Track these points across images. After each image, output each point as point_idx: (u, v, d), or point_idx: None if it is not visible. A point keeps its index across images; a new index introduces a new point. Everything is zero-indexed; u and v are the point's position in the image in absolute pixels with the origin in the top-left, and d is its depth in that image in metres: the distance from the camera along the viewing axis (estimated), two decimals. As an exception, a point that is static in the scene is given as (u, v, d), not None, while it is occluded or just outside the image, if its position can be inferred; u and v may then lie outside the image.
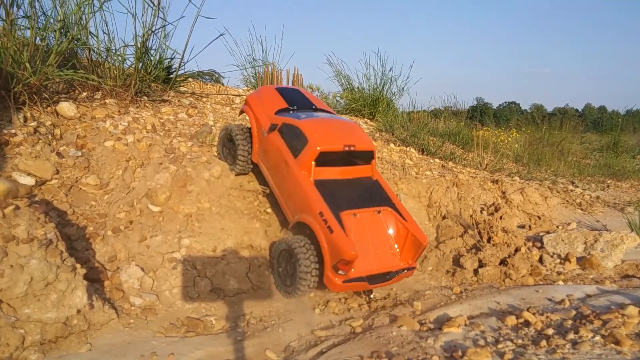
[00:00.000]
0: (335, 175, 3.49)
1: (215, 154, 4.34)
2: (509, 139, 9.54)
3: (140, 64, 4.89)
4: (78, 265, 2.76)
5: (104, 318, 2.78)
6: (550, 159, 9.03)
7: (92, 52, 4.82)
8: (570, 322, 2.72)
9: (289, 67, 8.81)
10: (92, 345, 2.61)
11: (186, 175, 3.86)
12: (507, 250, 4.15)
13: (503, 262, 4.04)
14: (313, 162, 3.35)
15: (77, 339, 2.60)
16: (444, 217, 4.79)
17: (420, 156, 6.68)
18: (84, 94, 4.62)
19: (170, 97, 5.44)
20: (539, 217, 5.45)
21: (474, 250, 4.22)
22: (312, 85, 9.80)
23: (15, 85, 3.82)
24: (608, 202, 6.65)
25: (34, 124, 3.83)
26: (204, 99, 6.04)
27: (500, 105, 43.18)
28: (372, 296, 3.47)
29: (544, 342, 2.44)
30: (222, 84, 7.91)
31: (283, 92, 4.17)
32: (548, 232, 4.85)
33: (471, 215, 4.93)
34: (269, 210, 4.06)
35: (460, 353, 2.40)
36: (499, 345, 2.48)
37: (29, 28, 4.06)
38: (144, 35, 4.77)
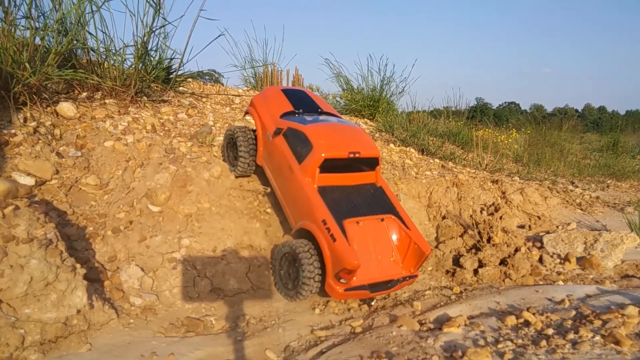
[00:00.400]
0: (339, 182, 3.46)
1: (215, 154, 4.33)
2: (509, 139, 9.54)
3: (141, 64, 4.89)
4: (78, 265, 2.76)
5: (104, 318, 2.78)
6: (550, 159, 9.03)
7: (91, 52, 4.82)
8: (570, 322, 2.72)
9: (289, 68, 8.82)
10: (92, 345, 2.61)
11: (186, 176, 3.86)
12: (507, 250, 4.15)
13: (503, 262, 4.04)
14: (317, 169, 3.32)
15: (77, 339, 2.60)
16: (443, 217, 4.79)
17: (420, 156, 6.68)
18: (84, 94, 4.62)
19: (170, 97, 5.44)
20: (539, 217, 5.45)
21: (473, 251, 4.22)
22: (312, 86, 9.81)
23: (15, 86, 3.82)
24: (608, 202, 6.65)
25: (33, 124, 3.83)
26: (204, 99, 6.04)
27: (500, 105, 43.24)
28: (372, 303, 3.45)
29: (544, 342, 2.44)
30: (222, 84, 7.91)
31: (289, 93, 4.12)
32: (548, 232, 4.85)
33: (471, 216, 4.94)
34: (269, 210, 4.06)
35: (460, 353, 2.40)
36: (499, 345, 2.48)
37: (28, 28, 4.06)
38: (144, 35, 4.77)
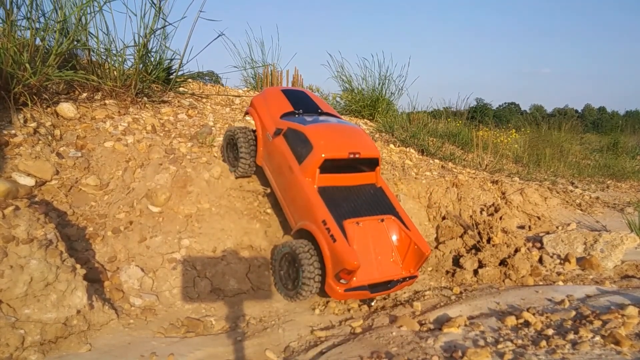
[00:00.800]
0: (339, 182, 3.46)
1: (215, 155, 4.34)
2: (509, 140, 9.55)
3: (141, 65, 4.90)
4: (78, 266, 2.76)
5: (104, 318, 2.78)
6: (550, 159, 9.03)
7: (92, 53, 4.82)
8: (570, 322, 2.72)
9: (289, 68, 8.82)
10: (92, 345, 2.61)
11: (186, 176, 3.86)
12: (506, 251, 4.15)
13: (503, 262, 4.04)
14: (317, 169, 3.32)
15: (77, 340, 2.60)
16: (443, 218, 4.79)
17: (420, 157, 6.69)
18: (84, 94, 4.62)
19: (170, 98, 5.44)
20: (539, 218, 5.45)
21: (473, 251, 4.22)
22: (311, 86, 9.82)
23: (15, 86, 3.83)
24: (608, 203, 6.65)
25: (33, 124, 3.84)
26: (204, 100, 6.05)
27: (500, 105, 43.22)
28: (372, 304, 3.45)
29: (543, 343, 2.44)
30: (222, 85, 7.92)
31: (289, 94, 4.13)
32: (548, 233, 4.85)
33: (471, 216, 4.94)
34: (269, 210, 4.06)
35: (460, 353, 2.40)
36: (499, 346, 2.48)
37: (29, 29, 4.06)
38: (145, 36, 4.77)
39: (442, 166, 6.40)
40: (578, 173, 8.87)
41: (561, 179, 8.04)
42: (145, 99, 4.97)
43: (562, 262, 4.29)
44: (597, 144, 14.33)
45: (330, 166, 3.35)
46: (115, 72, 4.72)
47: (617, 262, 4.26)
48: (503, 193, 5.65)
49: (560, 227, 5.14)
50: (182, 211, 3.68)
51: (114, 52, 4.74)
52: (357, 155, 3.42)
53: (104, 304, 2.82)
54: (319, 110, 4.02)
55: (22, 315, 2.50)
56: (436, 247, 4.37)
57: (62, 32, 4.42)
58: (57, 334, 2.54)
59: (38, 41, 4.18)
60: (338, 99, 9.62)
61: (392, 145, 6.72)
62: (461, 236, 4.44)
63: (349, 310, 3.36)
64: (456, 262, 4.15)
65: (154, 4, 4.68)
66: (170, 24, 4.97)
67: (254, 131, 4.02)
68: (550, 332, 2.60)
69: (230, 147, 4.15)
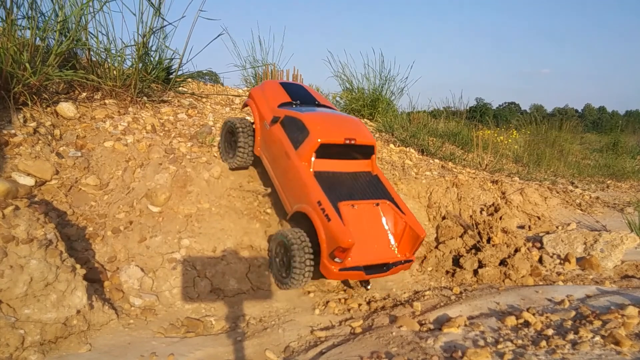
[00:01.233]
0: (335, 168, 3.52)
1: (215, 155, 4.33)
2: (509, 140, 9.54)
3: (141, 64, 4.89)
4: (78, 266, 2.76)
5: (104, 318, 2.78)
6: (550, 159, 9.02)
7: (91, 53, 4.82)
8: (570, 322, 2.72)
9: (289, 68, 8.81)
10: (92, 345, 2.61)
11: (186, 176, 3.86)
12: (506, 251, 4.14)
13: (503, 262, 4.04)
14: (313, 154, 3.38)
15: (76, 340, 2.60)
16: (443, 218, 4.79)
17: (420, 156, 6.68)
18: (84, 94, 4.62)
19: (169, 98, 5.44)
20: (539, 218, 5.45)
21: (473, 251, 4.22)
22: (311, 85, 9.81)
23: (15, 86, 3.82)
24: (608, 203, 6.64)
25: (33, 124, 3.83)
26: (204, 100, 6.04)
27: (500, 105, 43.18)
28: (369, 287, 3.49)
29: (543, 343, 2.44)
30: (222, 84, 7.91)
31: (287, 86, 4.21)
32: (548, 233, 4.85)
33: (471, 216, 4.93)
34: (269, 210, 4.06)
35: (460, 353, 2.40)
36: (499, 346, 2.48)
37: (29, 28, 4.06)
38: (145, 35, 4.77)
39: (442, 166, 6.39)
40: (578, 173, 8.87)
41: (561, 178, 8.03)
42: (145, 98, 4.97)
43: (562, 262, 4.29)
44: (597, 144, 14.33)
45: (326, 152, 3.42)
46: (115, 72, 4.72)
47: (617, 262, 4.26)
48: (503, 193, 5.65)
49: (560, 227, 5.13)
50: (182, 211, 3.67)
51: (114, 51, 4.74)
52: (352, 142, 3.48)
53: (103, 304, 2.82)
54: (316, 102, 4.07)
55: (22, 315, 2.50)
56: (436, 247, 4.36)
57: (62, 31, 4.42)
58: (57, 334, 2.54)
59: (38, 41, 4.18)
60: (338, 98, 9.62)
61: (392, 145, 6.72)
62: (461, 236, 4.44)
63: (349, 310, 3.36)
64: (456, 262, 4.15)
65: (152, 3, 4.67)
66: (170, 23, 4.97)
67: (252, 123, 4.07)
68: (550, 332, 2.60)
69: (228, 137, 4.18)
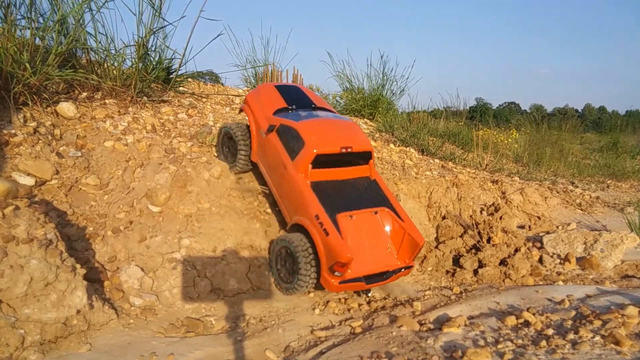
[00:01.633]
0: (332, 177, 3.50)
1: (215, 154, 4.33)
2: (509, 140, 9.54)
3: (141, 64, 4.89)
4: (78, 266, 2.76)
5: (104, 318, 2.78)
6: (550, 159, 9.02)
7: (91, 53, 4.82)
8: (570, 322, 2.72)
9: (289, 68, 8.81)
10: (92, 345, 2.61)
11: (186, 176, 3.86)
12: (507, 251, 4.15)
13: (503, 262, 4.04)
14: (310, 165, 3.36)
15: (77, 339, 2.60)
16: (443, 218, 4.79)
17: (420, 156, 6.68)
18: (84, 94, 4.62)
19: (170, 98, 5.44)
20: (539, 218, 5.45)
21: (473, 251, 4.22)
22: (312, 86, 9.81)
23: (15, 86, 3.82)
24: (608, 203, 6.64)
25: (33, 124, 3.83)
26: (204, 99, 6.04)
27: (500, 105, 43.18)
28: (370, 295, 3.48)
29: (543, 342, 2.44)
30: (222, 84, 7.91)
31: (282, 90, 4.16)
32: (548, 233, 4.85)
33: (471, 216, 4.93)
34: (269, 210, 4.06)
35: (460, 353, 2.40)
36: (499, 346, 2.48)
37: (28, 28, 4.06)
38: (145, 35, 4.77)
39: (442, 166, 6.39)
40: (578, 173, 8.86)
41: (561, 178, 8.03)
42: (145, 98, 4.97)
43: (562, 261, 4.29)
44: (597, 144, 14.31)
45: (322, 161, 3.40)
46: (115, 72, 4.72)
47: (617, 261, 4.25)
48: (503, 193, 5.65)
49: (560, 227, 5.13)
50: (182, 211, 3.67)
51: (113, 51, 4.74)
52: (349, 150, 3.46)
53: (104, 303, 2.82)
54: (313, 105, 4.04)
55: (22, 315, 2.50)
56: (436, 247, 4.36)
57: (62, 31, 4.42)
58: (57, 334, 2.54)
59: (38, 41, 4.18)
60: (338, 98, 9.61)
61: (392, 145, 6.72)
62: (461, 236, 4.44)
63: (349, 310, 3.37)
64: (456, 261, 4.15)
65: (152, 3, 4.67)
66: (170, 23, 4.97)
67: (249, 127, 4.05)
68: (550, 332, 2.60)
69: (227, 142, 4.16)
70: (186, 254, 3.45)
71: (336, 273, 3.07)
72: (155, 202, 3.64)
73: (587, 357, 2.25)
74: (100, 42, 4.72)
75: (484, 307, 3.18)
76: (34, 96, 4.02)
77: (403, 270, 3.38)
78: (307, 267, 3.16)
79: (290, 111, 3.87)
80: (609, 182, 8.62)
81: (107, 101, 4.65)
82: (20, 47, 3.88)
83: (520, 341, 2.52)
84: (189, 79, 6.16)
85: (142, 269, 3.27)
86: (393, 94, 8.85)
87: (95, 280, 3.05)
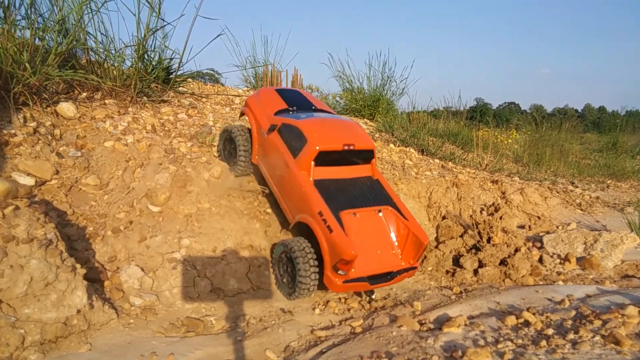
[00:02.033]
0: (335, 175, 3.48)
1: (215, 154, 4.33)
2: (509, 140, 9.54)
3: (140, 64, 4.89)
4: (78, 266, 2.76)
5: (104, 318, 2.78)
6: (550, 159, 9.02)
7: (91, 53, 4.82)
8: (570, 322, 2.72)
9: (289, 68, 8.83)
10: (92, 345, 2.61)
11: (186, 176, 3.86)
12: (507, 251, 4.15)
13: (503, 262, 4.04)
14: (312, 162, 3.34)
15: (77, 339, 2.60)
16: (443, 218, 4.79)
17: (420, 156, 6.68)
18: (84, 94, 4.62)
19: (169, 98, 5.44)
20: (539, 218, 5.45)
21: (473, 251, 4.22)
22: (311, 86, 9.81)
23: (15, 86, 3.82)
24: (608, 203, 6.64)
25: (33, 124, 3.83)
26: (204, 100, 6.04)
27: (500, 105, 43.17)
28: (373, 296, 3.45)
29: (543, 342, 2.44)
30: (222, 84, 7.91)
31: (283, 93, 4.17)
32: (548, 233, 4.85)
33: (471, 216, 4.93)
34: (269, 210, 4.06)
35: (460, 353, 2.40)
36: (499, 345, 2.48)
37: (28, 28, 4.06)
38: (144, 35, 4.77)
39: (442, 166, 6.39)
40: (578, 173, 8.86)
41: (561, 178, 8.03)
42: (145, 98, 4.97)
43: (562, 261, 4.29)
44: (597, 144, 14.31)
45: (325, 159, 3.38)
46: (114, 72, 4.72)
47: (617, 261, 4.26)
48: (503, 193, 5.65)
49: (560, 227, 5.13)
50: (182, 211, 3.67)
51: (113, 51, 4.74)
52: (351, 147, 3.44)
53: (104, 303, 2.82)
54: (313, 107, 4.04)
55: (22, 314, 2.50)
56: (436, 247, 4.36)
57: (62, 31, 4.42)
58: (57, 334, 2.54)
59: (37, 41, 4.18)
60: (338, 98, 9.62)
61: (392, 145, 6.72)
62: (461, 236, 4.44)
63: (349, 310, 3.36)
64: (456, 261, 4.15)
65: (150, 3, 4.67)
66: (168, 23, 4.97)
67: (250, 129, 4.04)
68: (550, 331, 2.60)
69: (228, 145, 4.16)
70: (186, 254, 3.45)
71: (340, 272, 3.04)
72: (155, 202, 3.64)
73: (587, 357, 2.25)
74: (100, 42, 4.73)
75: (484, 307, 3.18)
76: (34, 96, 4.02)
77: (407, 271, 3.34)
78: (305, 266, 3.12)
79: (291, 112, 3.87)
80: (609, 182, 8.62)
81: (107, 101, 4.65)
82: (20, 47, 3.88)
83: (520, 341, 2.52)
84: (189, 79, 6.16)
85: (142, 269, 3.27)
86: (393, 94, 8.86)
87: (95, 280, 3.05)
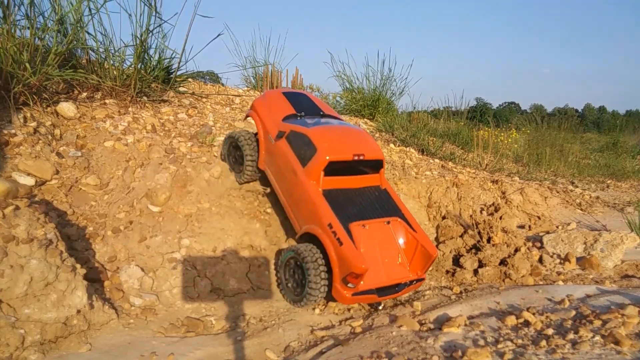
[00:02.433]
0: (344, 185, 3.42)
1: (215, 154, 4.33)
2: (509, 139, 9.54)
3: (140, 64, 4.89)
4: (78, 266, 2.76)
5: (104, 318, 2.78)
6: (550, 159, 9.02)
7: (91, 53, 4.82)
8: (570, 322, 2.72)
9: (289, 68, 8.83)
10: (92, 345, 2.61)
11: (186, 176, 3.86)
12: (507, 251, 4.15)
13: (503, 262, 4.04)
14: (322, 172, 3.28)
15: (77, 339, 2.60)
16: (443, 217, 4.79)
17: (420, 156, 6.68)
18: (84, 94, 4.62)
19: (170, 98, 5.44)
20: (539, 217, 5.45)
21: (473, 251, 4.22)
22: (312, 86, 9.82)
23: (15, 86, 3.82)
24: (608, 202, 6.65)
25: (33, 124, 3.83)
26: (204, 99, 6.04)
27: (500, 105, 43.15)
28: (380, 308, 3.39)
29: (543, 342, 2.44)
30: (222, 84, 7.91)
31: (290, 97, 4.07)
32: (548, 232, 4.86)
33: (471, 216, 4.93)
34: (269, 210, 4.06)
35: (460, 353, 2.40)
36: (499, 345, 2.48)
37: (28, 28, 4.06)
38: (142, 35, 4.77)
39: (442, 166, 6.39)
40: (578, 173, 8.87)
41: (561, 178, 8.04)
42: (145, 98, 4.97)
43: (562, 261, 4.29)
44: (597, 144, 14.32)
45: (334, 168, 3.31)
46: (114, 72, 4.72)
47: (617, 261, 4.26)
48: (503, 192, 5.65)
49: (560, 227, 5.14)
50: (182, 211, 3.67)
51: (112, 51, 4.74)
52: (361, 157, 3.38)
53: (104, 303, 2.82)
54: (321, 113, 3.97)
55: (22, 315, 2.50)
56: (436, 247, 4.36)
57: (62, 31, 4.42)
58: (57, 334, 2.54)
59: (37, 41, 4.18)
60: (338, 98, 9.62)
61: (392, 145, 6.72)
62: (461, 236, 4.44)
63: (349, 310, 3.37)
64: (456, 261, 4.15)
65: (149, 3, 4.67)
66: (165, 21, 4.96)
67: (256, 134, 3.96)
68: (550, 331, 2.60)
69: (233, 152, 4.08)
70: (186, 254, 3.45)
71: (349, 284, 2.99)
72: (155, 202, 3.65)
73: (587, 356, 2.25)
74: (100, 42, 4.73)
75: (484, 307, 3.18)
76: (34, 96, 4.02)
77: (415, 282, 3.30)
78: (317, 279, 3.06)
79: (299, 118, 3.79)
80: (609, 182, 8.63)
81: (107, 101, 4.65)
82: (20, 47, 3.88)
83: (520, 341, 2.52)
84: (189, 79, 6.16)
85: (142, 269, 3.27)
86: (393, 94, 8.86)
87: (95, 280, 3.05)
